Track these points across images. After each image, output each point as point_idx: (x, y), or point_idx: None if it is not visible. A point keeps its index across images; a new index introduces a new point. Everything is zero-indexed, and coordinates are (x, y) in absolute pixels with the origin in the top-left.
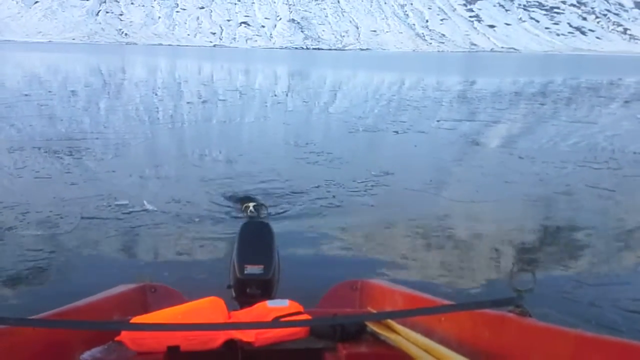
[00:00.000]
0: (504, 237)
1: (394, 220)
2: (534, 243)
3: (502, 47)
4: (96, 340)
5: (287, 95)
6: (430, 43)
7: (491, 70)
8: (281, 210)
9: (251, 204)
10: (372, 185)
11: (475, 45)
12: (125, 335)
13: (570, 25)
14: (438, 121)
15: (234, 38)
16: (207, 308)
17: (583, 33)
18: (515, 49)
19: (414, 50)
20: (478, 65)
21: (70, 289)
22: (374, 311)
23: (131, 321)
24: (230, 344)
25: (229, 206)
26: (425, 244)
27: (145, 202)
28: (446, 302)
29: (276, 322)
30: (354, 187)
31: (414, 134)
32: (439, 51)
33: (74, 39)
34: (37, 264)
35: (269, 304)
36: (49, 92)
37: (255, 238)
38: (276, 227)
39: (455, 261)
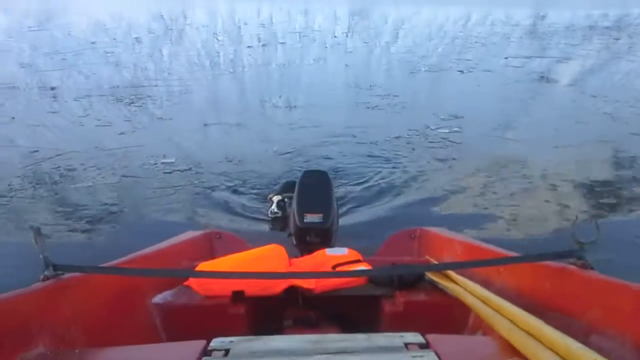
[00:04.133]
0: (572, 183)
1: (457, 167)
2: (602, 190)
3: None
4: (166, 284)
5: (347, 35)
6: None
7: (563, 2)
8: (343, 159)
9: (275, 198)
10: (439, 130)
11: None
12: (193, 281)
13: None
14: (506, 58)
15: None
16: (269, 255)
17: None
18: None
19: None
20: None
21: (139, 231)
22: (432, 260)
23: (198, 266)
24: (291, 290)
25: (287, 156)
26: (490, 191)
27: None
28: (506, 252)
29: (337, 272)
30: (420, 134)
31: (480, 72)
32: None
33: None
34: (107, 209)
35: (328, 251)
36: (114, 39)
37: (314, 187)
38: (337, 175)
39: (521, 209)
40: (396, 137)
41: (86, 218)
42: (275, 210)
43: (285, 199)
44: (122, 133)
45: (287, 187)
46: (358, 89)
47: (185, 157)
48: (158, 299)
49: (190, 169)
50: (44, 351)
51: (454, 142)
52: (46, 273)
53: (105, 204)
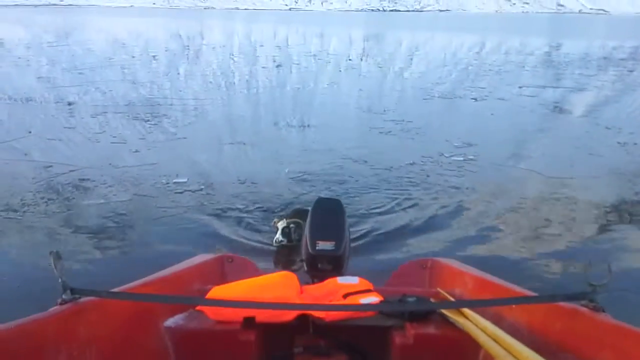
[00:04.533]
0: (585, 217)
1: (471, 197)
2: (615, 228)
3: (591, 9)
4: (179, 308)
5: (361, 59)
6: (514, 4)
7: (578, 33)
8: (355, 185)
9: (280, 224)
10: (453, 158)
11: (562, 6)
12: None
13: None
14: (520, 87)
15: (310, 1)
16: (281, 282)
17: None
18: (604, 11)
19: (496, 12)
20: (564, 28)
21: (148, 251)
22: (443, 292)
23: (210, 291)
24: (302, 318)
25: (298, 180)
26: (503, 223)
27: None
28: (518, 289)
29: (348, 305)
30: (434, 161)
31: (494, 101)
32: (523, 12)
33: (154, 4)
34: (118, 228)
35: (340, 280)
36: (132, 56)
37: (327, 215)
38: (350, 202)
39: (531, 244)
40: (410, 164)
41: (96, 237)
42: (281, 238)
43: (291, 226)
44: (136, 151)
45: (295, 214)
46: (371, 114)
47: (197, 177)
48: (170, 322)
49: (201, 190)
50: None
51: (469, 170)
52: (64, 297)
53: (116, 222)
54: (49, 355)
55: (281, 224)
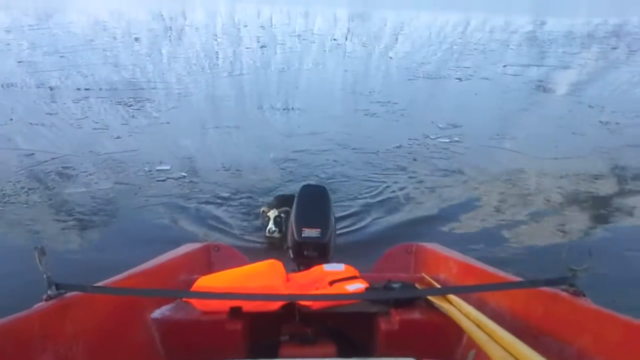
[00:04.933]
0: (567, 196)
1: (457, 180)
2: (597, 202)
3: None
4: (165, 299)
5: (346, 39)
6: None
7: (563, 9)
8: (341, 170)
9: (272, 213)
10: (439, 140)
11: None
12: None
13: None
14: (504, 66)
15: None
16: (267, 271)
17: None
18: None
19: None
20: (549, 4)
21: (130, 240)
22: (428, 277)
23: (196, 281)
24: (288, 306)
25: (283, 165)
26: (487, 207)
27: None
28: (501, 274)
29: (334, 295)
30: (420, 144)
31: (478, 80)
32: None
33: None
34: (99, 217)
35: (326, 267)
36: (114, 38)
37: (313, 202)
38: (335, 187)
39: (515, 228)
40: (397, 147)
41: (77, 226)
42: (274, 228)
43: (282, 215)
44: (118, 137)
45: (282, 201)
46: (357, 95)
47: (181, 164)
48: (157, 314)
49: (184, 177)
50: None
51: (455, 152)
52: (49, 292)
53: (98, 212)
54: (34, 352)
55: (272, 213)
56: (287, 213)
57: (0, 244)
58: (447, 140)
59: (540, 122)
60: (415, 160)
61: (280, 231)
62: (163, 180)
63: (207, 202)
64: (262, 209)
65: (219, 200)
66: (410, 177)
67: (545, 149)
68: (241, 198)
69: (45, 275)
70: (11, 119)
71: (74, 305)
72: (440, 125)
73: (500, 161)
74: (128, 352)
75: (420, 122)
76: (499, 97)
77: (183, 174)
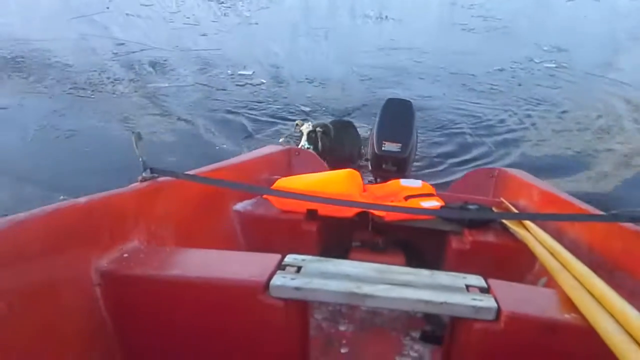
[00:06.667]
0: None
1: (560, 110)
2: None
3: None
4: (247, 194)
5: None
6: None
7: None
8: (432, 89)
9: (305, 128)
10: (544, 65)
11: None
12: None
13: None
14: None
15: None
16: (345, 179)
17: None
18: None
19: None
20: None
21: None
22: (507, 202)
23: (277, 181)
24: (362, 214)
25: (369, 82)
26: (586, 140)
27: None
28: (583, 205)
29: (408, 208)
30: (524, 68)
31: (589, 1)
32: None
33: None
34: (179, 114)
35: (403, 182)
36: None
37: (397, 116)
38: (423, 105)
39: (611, 166)
40: (499, 70)
41: (164, 118)
42: (307, 145)
43: (318, 130)
44: (204, 34)
45: (334, 123)
46: (456, 7)
47: (264, 70)
48: (239, 206)
49: (263, 84)
50: (138, 245)
51: (562, 79)
52: (144, 175)
53: (176, 107)
54: (129, 226)
55: (306, 128)
56: (325, 131)
57: (93, 130)
58: (553, 65)
59: None
60: (520, 85)
61: (315, 148)
62: (242, 86)
63: (285, 113)
64: (296, 122)
65: (294, 112)
66: (506, 103)
67: None
68: (321, 112)
69: (140, 159)
70: (108, 8)
71: (165, 189)
72: (545, 48)
73: (605, 91)
74: (211, 237)
75: (523, 43)
76: (610, 21)
77: (264, 80)
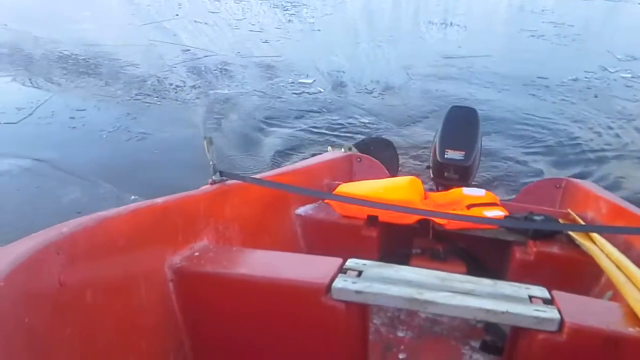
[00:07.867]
0: None
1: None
2: None
3: None
4: (309, 198)
5: None
6: None
7: None
8: (501, 96)
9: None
10: (619, 75)
11: None
12: (332, 200)
13: None
14: None
15: None
16: (406, 186)
17: None
18: None
19: None
20: None
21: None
22: (574, 214)
23: (338, 187)
24: (423, 222)
25: (434, 95)
26: None
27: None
28: None
29: (470, 217)
30: (599, 77)
31: None
32: None
33: None
34: (241, 120)
35: (465, 191)
36: None
37: (461, 123)
38: (491, 112)
39: None
40: (573, 80)
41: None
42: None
43: (352, 149)
44: (268, 41)
45: (374, 141)
46: (524, 13)
47: (324, 79)
48: (301, 210)
49: (321, 92)
50: (207, 244)
51: (625, 88)
52: (214, 178)
53: (235, 115)
54: (199, 226)
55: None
56: (363, 150)
57: (161, 134)
58: (629, 75)
59: None
60: (596, 97)
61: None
62: (300, 94)
63: (340, 125)
64: (328, 148)
65: (351, 126)
66: (578, 113)
67: None
68: (374, 126)
69: (211, 163)
70: (177, 15)
71: (233, 191)
72: (619, 56)
73: None
74: (274, 239)
75: (595, 51)
76: None
77: (322, 89)
